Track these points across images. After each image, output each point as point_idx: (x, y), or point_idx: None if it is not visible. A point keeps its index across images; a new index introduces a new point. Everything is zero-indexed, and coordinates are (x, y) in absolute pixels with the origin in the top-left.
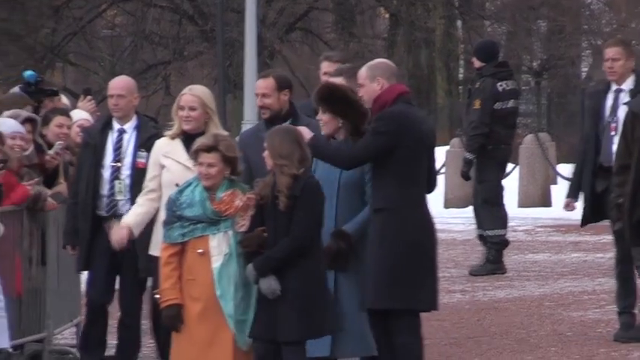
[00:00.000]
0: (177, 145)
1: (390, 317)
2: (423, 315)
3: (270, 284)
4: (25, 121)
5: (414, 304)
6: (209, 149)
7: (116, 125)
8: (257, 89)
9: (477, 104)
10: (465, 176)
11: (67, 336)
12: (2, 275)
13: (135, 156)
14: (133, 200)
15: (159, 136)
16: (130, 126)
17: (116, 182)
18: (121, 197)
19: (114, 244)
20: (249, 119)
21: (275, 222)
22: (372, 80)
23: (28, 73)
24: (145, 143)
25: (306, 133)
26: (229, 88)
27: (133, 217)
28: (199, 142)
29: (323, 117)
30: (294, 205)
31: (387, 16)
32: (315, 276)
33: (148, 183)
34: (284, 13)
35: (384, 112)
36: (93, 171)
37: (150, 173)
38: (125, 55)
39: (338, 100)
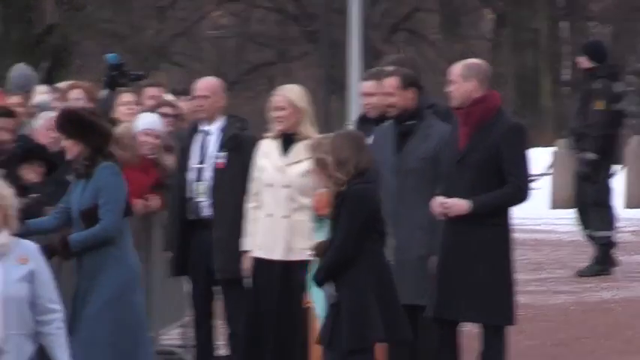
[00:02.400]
0: (274, 146)
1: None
2: (528, 316)
3: (327, 292)
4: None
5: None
6: None
7: (202, 127)
8: (383, 87)
9: (599, 105)
10: (587, 177)
11: (172, 336)
12: None
13: (215, 157)
14: (215, 202)
15: (239, 136)
16: (215, 127)
17: (195, 184)
18: (203, 199)
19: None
20: (354, 120)
21: (331, 229)
22: (465, 79)
23: (111, 55)
24: (225, 144)
25: (461, 207)
26: (334, 89)
27: (251, 239)
28: None
29: (65, 143)
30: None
31: (492, 17)
32: (360, 285)
33: (251, 185)
34: (389, 14)
35: (518, 124)
36: (179, 174)
37: (253, 175)
38: (230, 56)
39: (74, 125)
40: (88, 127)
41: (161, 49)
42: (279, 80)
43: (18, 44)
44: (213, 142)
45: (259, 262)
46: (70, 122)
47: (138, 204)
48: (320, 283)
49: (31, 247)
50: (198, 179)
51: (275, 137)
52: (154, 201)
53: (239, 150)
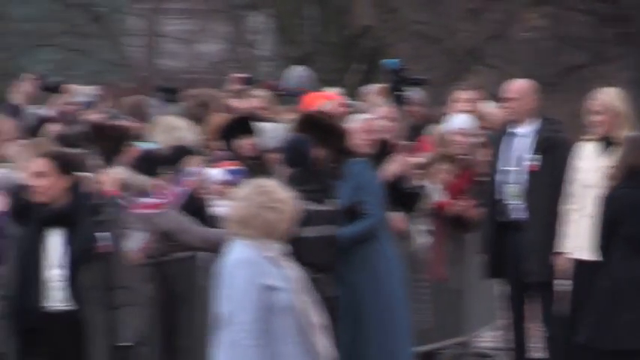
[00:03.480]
0: (594, 148)
1: None
2: None
3: None
4: None
5: None
6: None
7: (512, 129)
8: None
9: None
10: None
11: (486, 338)
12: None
13: (529, 160)
14: (529, 205)
15: (552, 139)
16: (526, 129)
17: (507, 186)
18: (514, 201)
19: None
20: None
21: None
22: None
23: (391, 61)
24: (539, 146)
25: None
26: None
27: (569, 241)
28: None
29: None
30: None
31: None
32: (598, 286)
33: (570, 187)
34: None
35: None
36: (491, 176)
37: (571, 177)
38: (543, 58)
39: (316, 129)
40: (327, 131)
41: (475, 51)
42: (594, 82)
43: (333, 46)
44: (524, 144)
45: (579, 264)
46: (312, 127)
47: (451, 205)
48: None
49: None
50: (509, 182)
51: (594, 140)
52: (467, 202)
53: (552, 152)
